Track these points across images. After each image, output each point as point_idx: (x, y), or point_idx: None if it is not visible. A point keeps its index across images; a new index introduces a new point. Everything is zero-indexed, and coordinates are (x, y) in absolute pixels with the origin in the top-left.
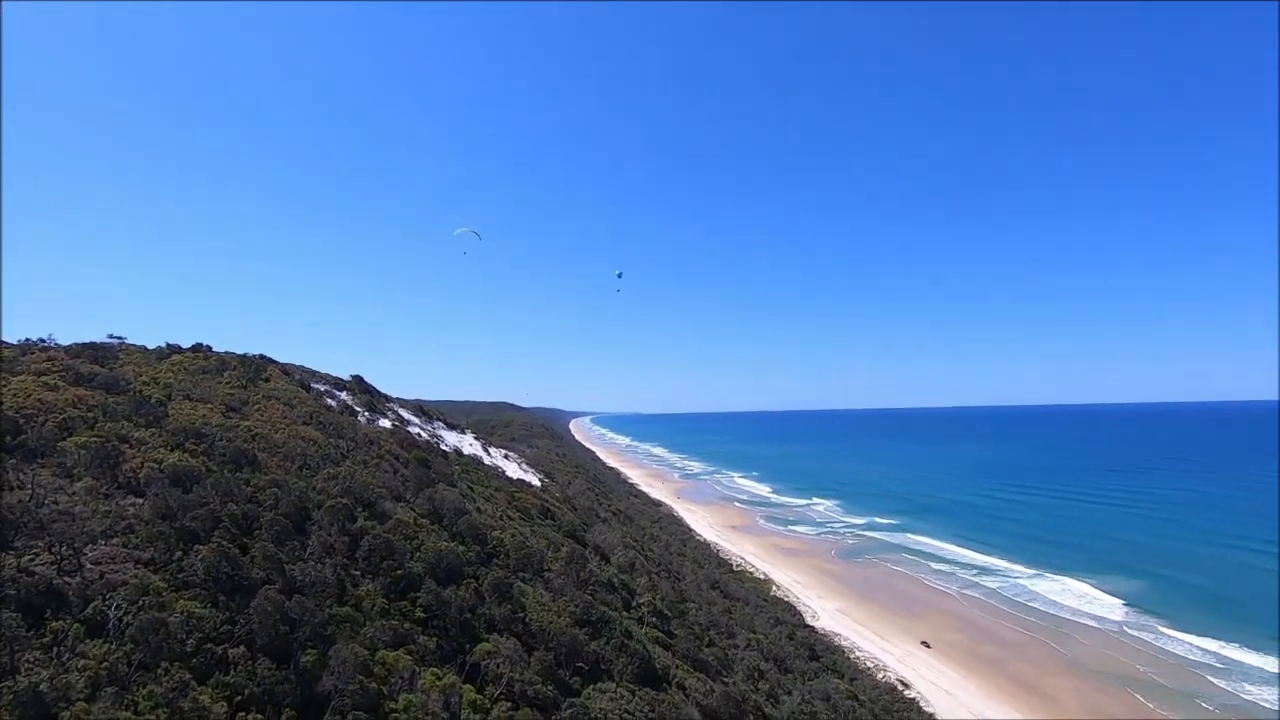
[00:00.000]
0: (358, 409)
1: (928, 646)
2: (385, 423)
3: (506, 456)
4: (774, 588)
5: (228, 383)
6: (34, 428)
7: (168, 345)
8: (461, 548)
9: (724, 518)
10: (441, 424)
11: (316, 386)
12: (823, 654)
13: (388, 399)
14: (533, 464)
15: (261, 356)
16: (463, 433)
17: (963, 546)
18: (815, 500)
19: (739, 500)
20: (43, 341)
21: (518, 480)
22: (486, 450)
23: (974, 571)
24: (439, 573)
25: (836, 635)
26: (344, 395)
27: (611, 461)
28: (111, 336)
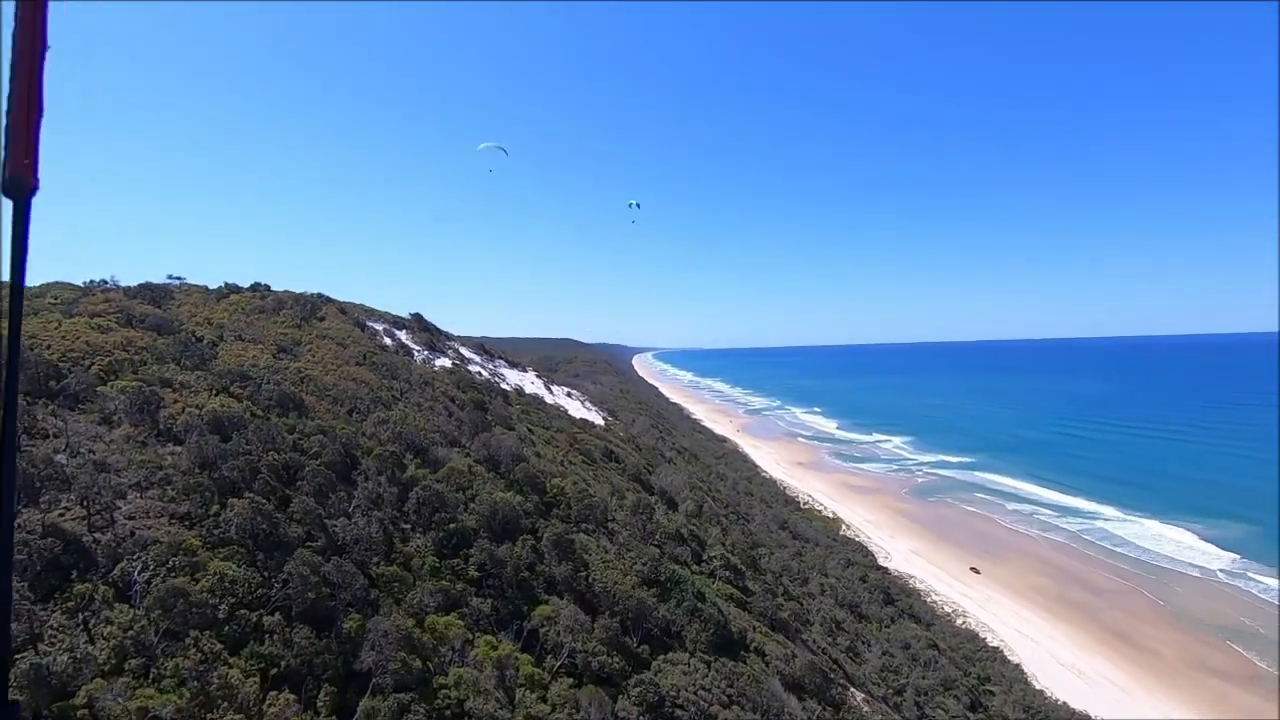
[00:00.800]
0: (415, 348)
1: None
2: (445, 362)
3: (569, 395)
4: (844, 527)
5: (282, 322)
6: (77, 372)
7: (226, 285)
8: (519, 498)
9: (790, 454)
10: (503, 362)
11: (374, 325)
12: (898, 597)
13: (449, 337)
14: (596, 402)
15: (319, 295)
16: (524, 371)
17: (1042, 486)
18: (883, 436)
19: (804, 436)
20: (104, 283)
21: (580, 420)
22: (549, 389)
23: (1055, 513)
24: (495, 526)
25: (911, 577)
26: (403, 334)
27: (674, 397)
28: (171, 277)
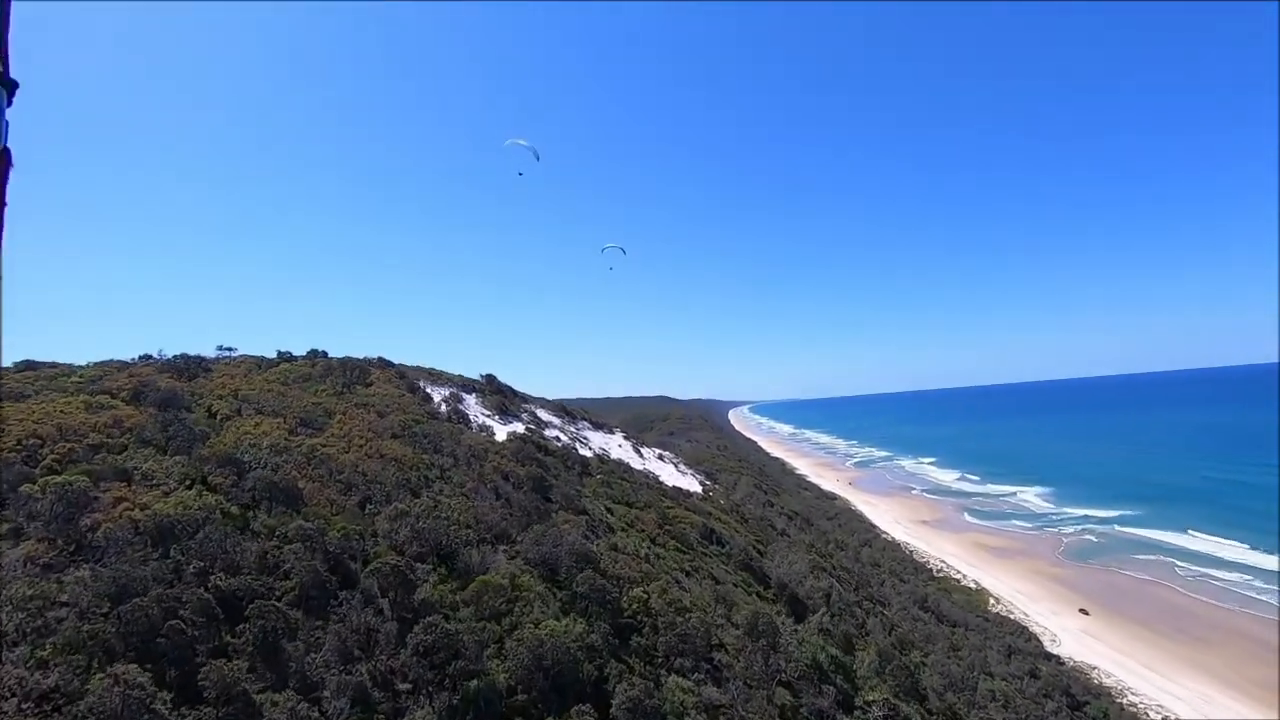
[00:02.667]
0: (481, 413)
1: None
2: (516, 427)
3: (661, 457)
4: (992, 601)
5: (323, 390)
6: (15, 464)
7: (279, 354)
8: (581, 625)
9: (910, 511)
10: (587, 424)
11: (435, 390)
12: (1085, 699)
13: (526, 399)
14: (692, 463)
15: (378, 359)
16: (610, 432)
17: (1233, 542)
18: (1012, 488)
19: (923, 490)
20: (148, 358)
21: (673, 488)
22: (638, 451)
23: (1247, 575)
24: (540, 679)
25: (1093, 669)
26: (472, 398)
27: (775, 451)
28: (221, 349)
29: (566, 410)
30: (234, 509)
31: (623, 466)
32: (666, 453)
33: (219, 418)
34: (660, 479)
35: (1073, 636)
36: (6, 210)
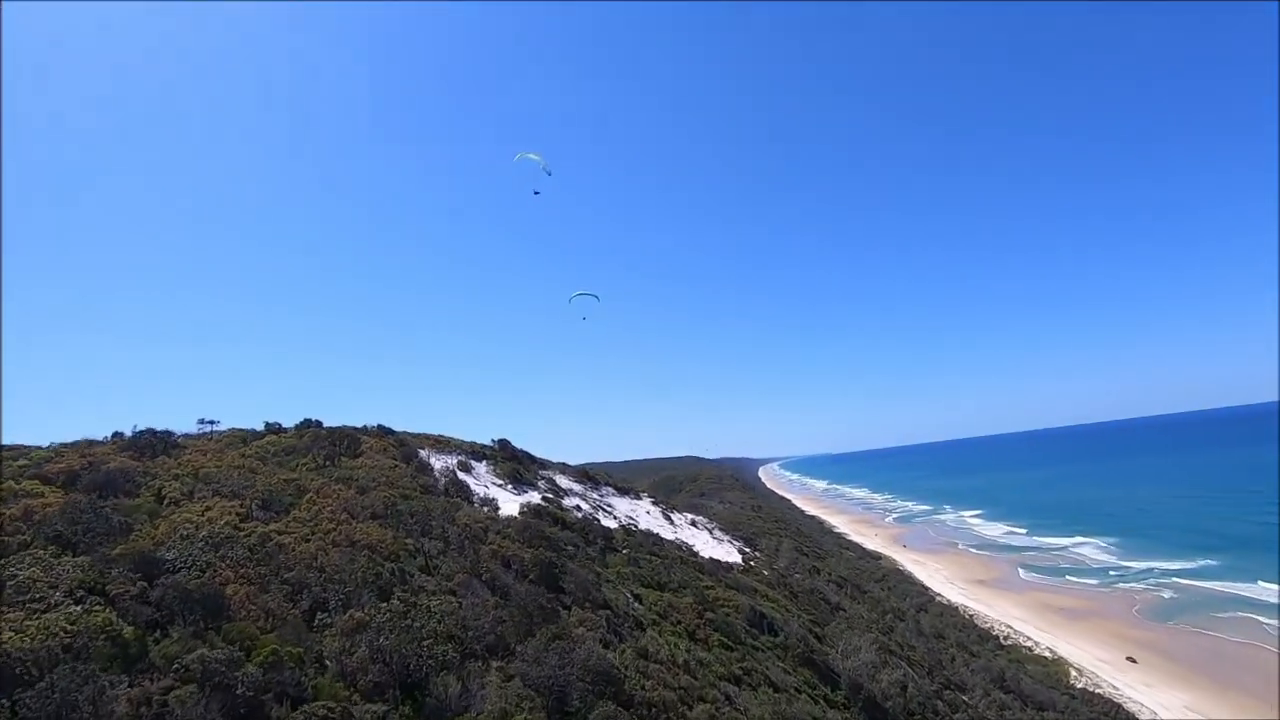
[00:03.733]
0: (489, 482)
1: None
2: (533, 496)
3: (694, 523)
4: (1073, 673)
5: (302, 465)
6: None
7: (266, 425)
8: None
9: (963, 569)
10: (611, 490)
11: (441, 459)
12: None
13: (544, 465)
14: (728, 528)
15: (380, 427)
16: (637, 498)
17: None
18: (1069, 540)
19: (970, 545)
20: (119, 435)
21: (710, 561)
22: (668, 518)
23: None
24: None
25: None
26: (482, 466)
27: (811, 509)
28: (202, 422)
29: (589, 476)
30: (128, 631)
31: (652, 539)
32: (699, 518)
33: (165, 503)
34: (694, 549)
35: (1175, 715)
36: None
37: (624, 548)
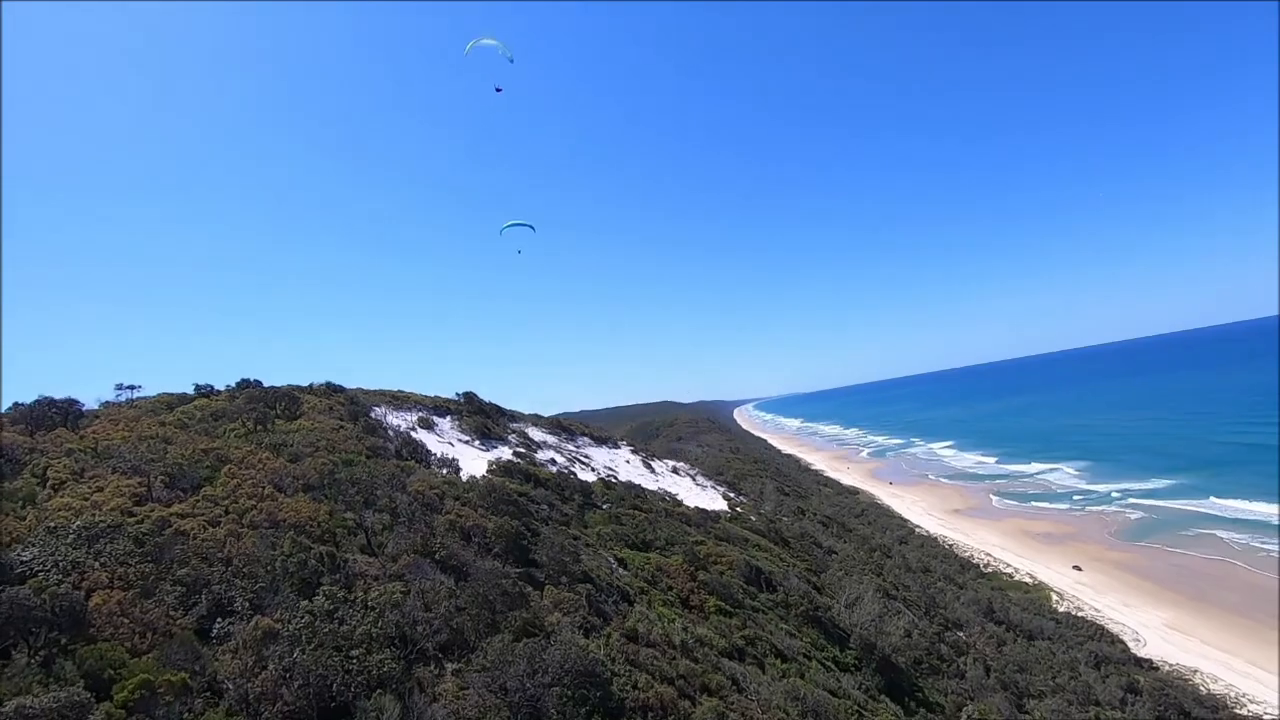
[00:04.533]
0: (454, 438)
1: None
2: (504, 452)
3: (675, 470)
4: (1055, 597)
5: (231, 430)
6: None
7: (197, 388)
8: None
9: (940, 499)
10: (588, 440)
11: (400, 416)
12: (1205, 718)
13: (515, 418)
14: (710, 473)
15: (328, 385)
16: (615, 447)
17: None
18: (1044, 466)
19: (945, 476)
20: (18, 405)
21: (696, 511)
22: (649, 466)
23: None
24: None
25: (1194, 672)
26: (446, 422)
27: (787, 448)
28: (121, 387)
29: (563, 426)
30: None
31: (634, 491)
32: (681, 464)
33: (48, 485)
34: (679, 499)
35: (1157, 634)
36: None
37: (604, 503)
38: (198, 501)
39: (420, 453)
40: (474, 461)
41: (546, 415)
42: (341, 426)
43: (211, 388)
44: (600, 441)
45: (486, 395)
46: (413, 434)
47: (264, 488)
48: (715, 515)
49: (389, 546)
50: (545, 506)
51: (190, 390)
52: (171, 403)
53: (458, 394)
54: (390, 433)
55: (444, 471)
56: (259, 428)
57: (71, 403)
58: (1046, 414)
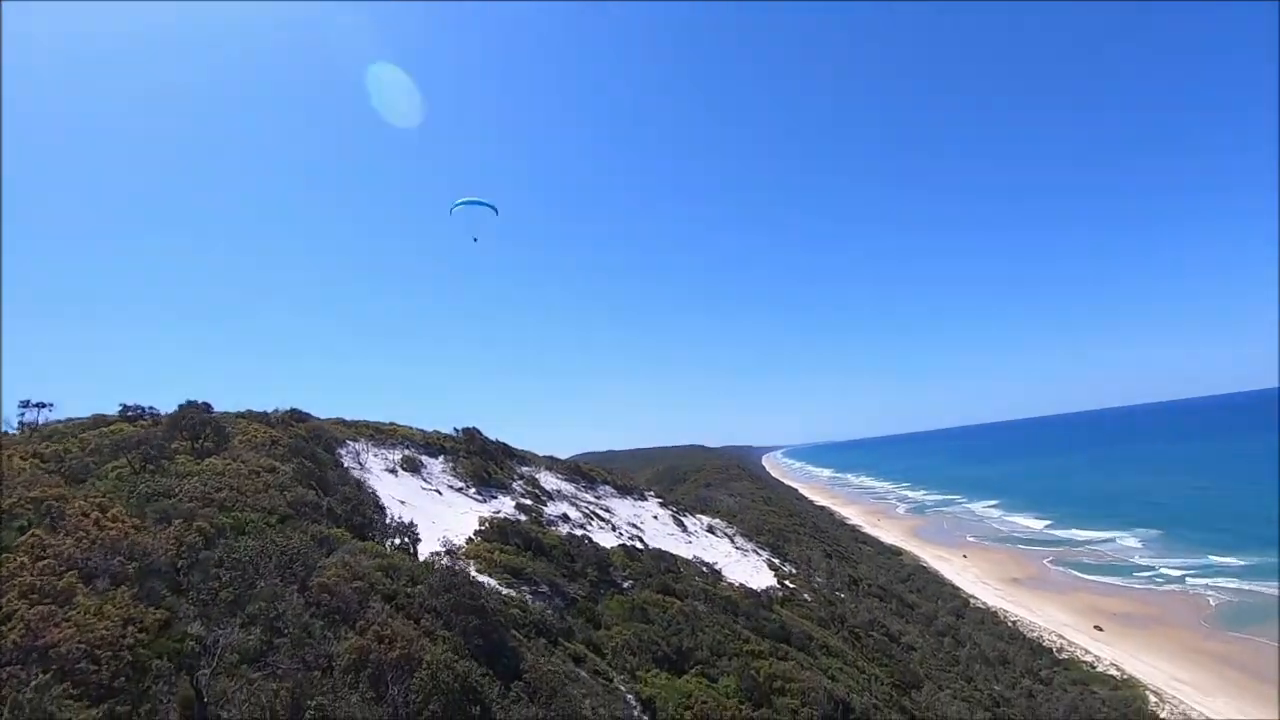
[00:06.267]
0: (444, 484)
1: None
2: (505, 504)
3: (711, 530)
4: (1152, 699)
5: (116, 470)
6: None
7: (122, 409)
8: None
9: (994, 566)
10: (610, 489)
11: (382, 454)
12: None
13: (524, 459)
14: (750, 533)
15: (293, 411)
16: (642, 498)
17: None
18: (1105, 533)
19: (994, 540)
20: None
21: (741, 590)
22: (680, 524)
23: None
24: None
25: None
26: (437, 462)
27: (820, 499)
28: (26, 405)
29: (582, 472)
30: None
31: (664, 563)
32: (716, 521)
33: None
34: (719, 570)
35: None
36: None
37: (626, 580)
38: None
39: (368, 511)
40: (463, 517)
41: (564, 457)
42: (269, 470)
43: (142, 410)
44: (625, 492)
45: (497, 432)
46: (385, 478)
47: (58, 575)
48: (766, 598)
49: (236, 698)
50: (544, 591)
51: (114, 411)
52: (74, 430)
53: (456, 429)
54: (337, 478)
55: (393, 543)
56: (146, 467)
57: None
58: (1098, 474)
